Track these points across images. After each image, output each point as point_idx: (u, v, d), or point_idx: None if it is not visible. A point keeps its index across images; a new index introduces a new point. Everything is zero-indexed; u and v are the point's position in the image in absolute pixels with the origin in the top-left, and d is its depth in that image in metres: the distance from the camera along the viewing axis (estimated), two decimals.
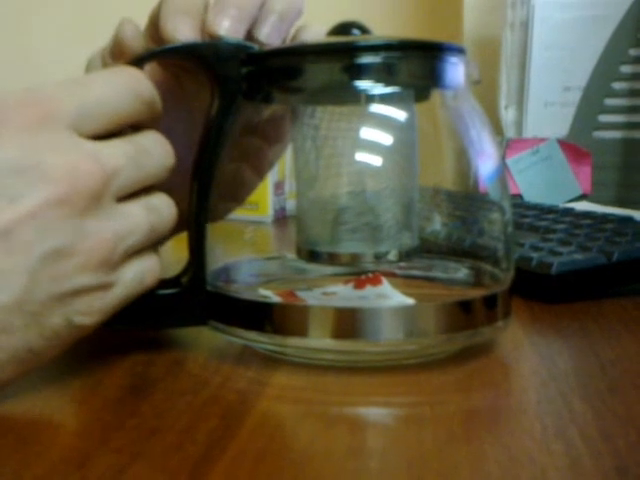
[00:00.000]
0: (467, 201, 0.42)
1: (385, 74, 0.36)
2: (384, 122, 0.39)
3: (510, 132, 0.85)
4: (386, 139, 0.39)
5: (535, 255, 0.47)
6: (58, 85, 0.33)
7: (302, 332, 0.35)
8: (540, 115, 0.82)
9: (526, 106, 0.83)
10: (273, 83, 0.38)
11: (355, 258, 0.38)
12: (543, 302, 0.46)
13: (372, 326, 0.34)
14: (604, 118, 0.81)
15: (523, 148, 0.82)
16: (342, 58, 0.36)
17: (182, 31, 0.37)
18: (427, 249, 0.41)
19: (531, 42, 0.81)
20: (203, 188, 0.37)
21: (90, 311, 0.32)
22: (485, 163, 0.40)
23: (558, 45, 0.81)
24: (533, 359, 0.38)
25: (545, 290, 0.46)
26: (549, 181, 0.81)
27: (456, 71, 0.38)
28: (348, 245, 0.38)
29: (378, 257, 0.38)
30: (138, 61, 0.36)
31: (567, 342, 0.40)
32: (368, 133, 0.39)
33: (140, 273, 0.34)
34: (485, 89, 0.88)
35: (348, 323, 0.34)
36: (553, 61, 0.81)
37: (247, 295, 0.39)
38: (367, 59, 0.35)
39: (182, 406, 0.31)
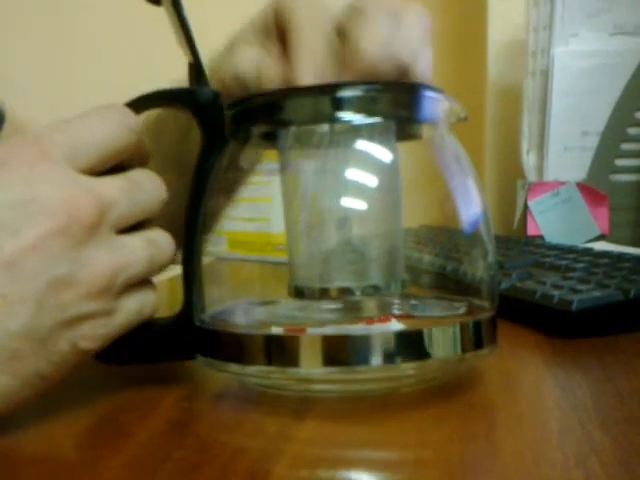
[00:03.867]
0: (452, 237, 0.43)
1: (365, 106, 0.37)
2: (367, 159, 0.40)
3: (532, 176, 0.85)
4: (370, 177, 0.40)
5: (556, 293, 0.49)
6: (50, 126, 0.35)
7: (293, 361, 0.34)
8: (560, 159, 0.83)
9: (547, 151, 0.84)
10: (254, 123, 0.39)
11: (343, 292, 0.39)
12: (564, 337, 0.47)
13: (362, 351, 0.33)
14: (620, 162, 0.82)
15: (544, 191, 0.83)
16: (321, 95, 0.37)
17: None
18: (413, 280, 0.41)
19: (551, 90, 0.83)
20: (191, 226, 0.38)
21: (94, 336, 0.33)
22: (467, 200, 0.40)
23: (577, 92, 0.82)
24: (554, 391, 0.38)
25: (565, 326, 0.47)
26: (569, 222, 0.82)
27: (433, 106, 0.39)
28: (337, 281, 0.39)
29: (365, 291, 0.38)
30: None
31: (587, 375, 0.40)
32: (353, 173, 0.40)
33: (140, 303, 0.36)
34: (508, 134, 0.89)
35: (339, 349, 0.34)
36: (572, 108, 0.82)
37: (233, 329, 0.38)
38: (347, 93, 0.37)
39: (224, 439, 0.32)
